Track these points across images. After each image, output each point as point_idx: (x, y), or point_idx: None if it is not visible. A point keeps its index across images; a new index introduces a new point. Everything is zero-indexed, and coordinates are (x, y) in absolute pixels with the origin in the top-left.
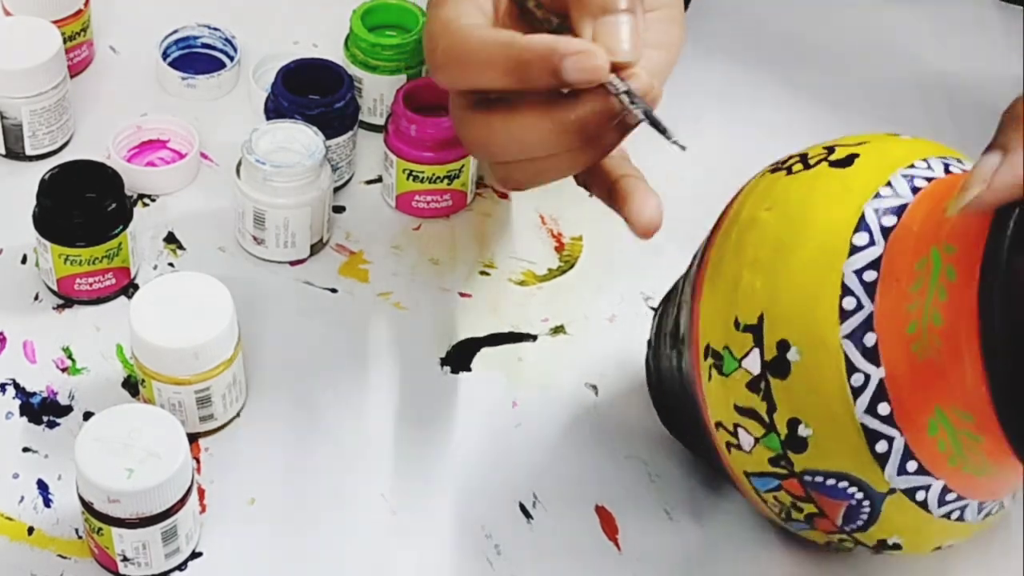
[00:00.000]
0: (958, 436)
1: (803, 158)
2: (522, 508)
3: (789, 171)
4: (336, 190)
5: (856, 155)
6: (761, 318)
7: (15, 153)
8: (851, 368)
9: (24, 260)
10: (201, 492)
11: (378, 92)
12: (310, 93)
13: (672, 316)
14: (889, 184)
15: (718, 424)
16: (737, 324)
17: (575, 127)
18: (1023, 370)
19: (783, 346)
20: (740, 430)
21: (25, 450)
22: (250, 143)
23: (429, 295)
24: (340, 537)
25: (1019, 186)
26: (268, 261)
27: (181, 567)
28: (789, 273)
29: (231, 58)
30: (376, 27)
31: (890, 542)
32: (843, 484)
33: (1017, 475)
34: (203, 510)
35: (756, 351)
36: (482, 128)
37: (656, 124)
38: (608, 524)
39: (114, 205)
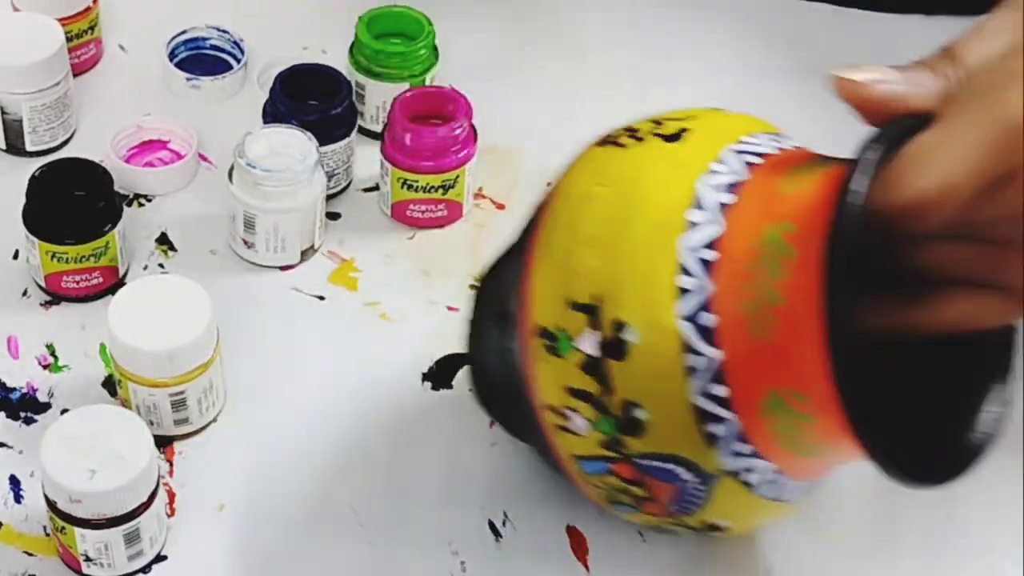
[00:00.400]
0: (793, 418)
1: (632, 132)
2: (491, 526)
3: (618, 144)
4: (332, 197)
5: (685, 129)
6: (596, 297)
7: (15, 148)
8: (688, 349)
9: (16, 255)
10: (172, 496)
11: (381, 100)
12: (311, 98)
13: (496, 293)
14: (721, 161)
15: (547, 406)
16: (571, 303)
17: None
18: (864, 348)
19: (619, 326)
20: (572, 413)
21: (0, 445)
22: (242, 147)
23: (417, 307)
24: (306, 547)
25: (898, 100)
26: (258, 266)
27: (144, 570)
28: (625, 251)
29: (239, 61)
30: (382, 35)
31: (716, 524)
32: (675, 467)
33: (841, 456)
34: (172, 514)
35: (592, 331)
36: None
37: None
38: (578, 544)
39: (103, 204)
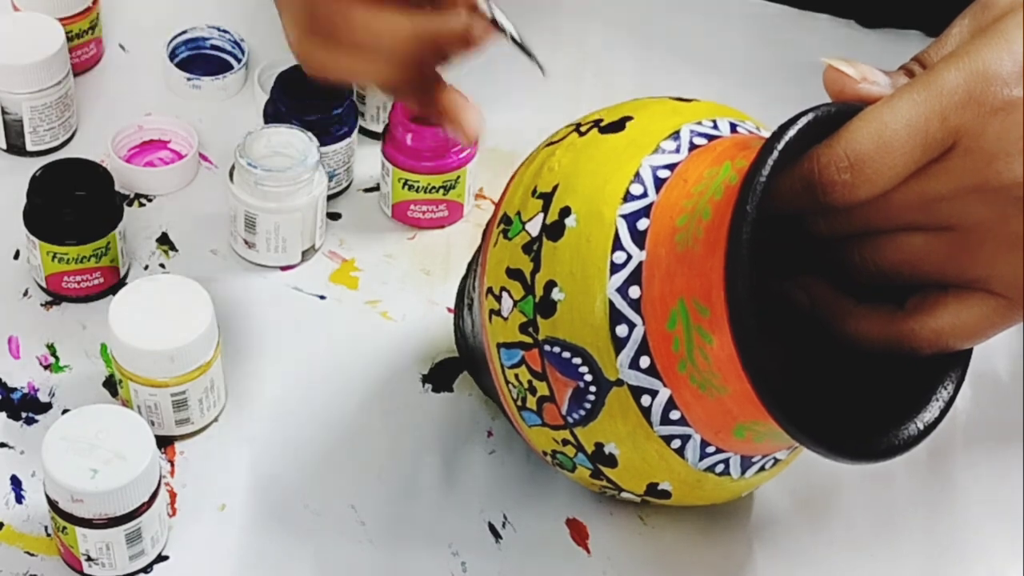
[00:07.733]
0: (692, 333)
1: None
2: (491, 528)
3: (580, 131)
4: (333, 197)
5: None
6: (556, 187)
7: (16, 148)
8: (617, 244)
9: (16, 256)
10: (173, 496)
11: (382, 100)
12: (311, 98)
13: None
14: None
15: (488, 291)
16: (534, 192)
17: (429, 40)
18: (757, 269)
19: (565, 212)
20: (504, 294)
21: (1, 445)
22: (243, 146)
23: (417, 307)
24: (308, 546)
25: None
26: (259, 265)
27: (146, 570)
28: (595, 155)
29: (239, 61)
30: None
31: (607, 450)
32: (577, 360)
33: (733, 420)
34: (173, 513)
35: (541, 215)
36: (342, 7)
37: (522, 46)
38: (578, 531)
39: (104, 204)
